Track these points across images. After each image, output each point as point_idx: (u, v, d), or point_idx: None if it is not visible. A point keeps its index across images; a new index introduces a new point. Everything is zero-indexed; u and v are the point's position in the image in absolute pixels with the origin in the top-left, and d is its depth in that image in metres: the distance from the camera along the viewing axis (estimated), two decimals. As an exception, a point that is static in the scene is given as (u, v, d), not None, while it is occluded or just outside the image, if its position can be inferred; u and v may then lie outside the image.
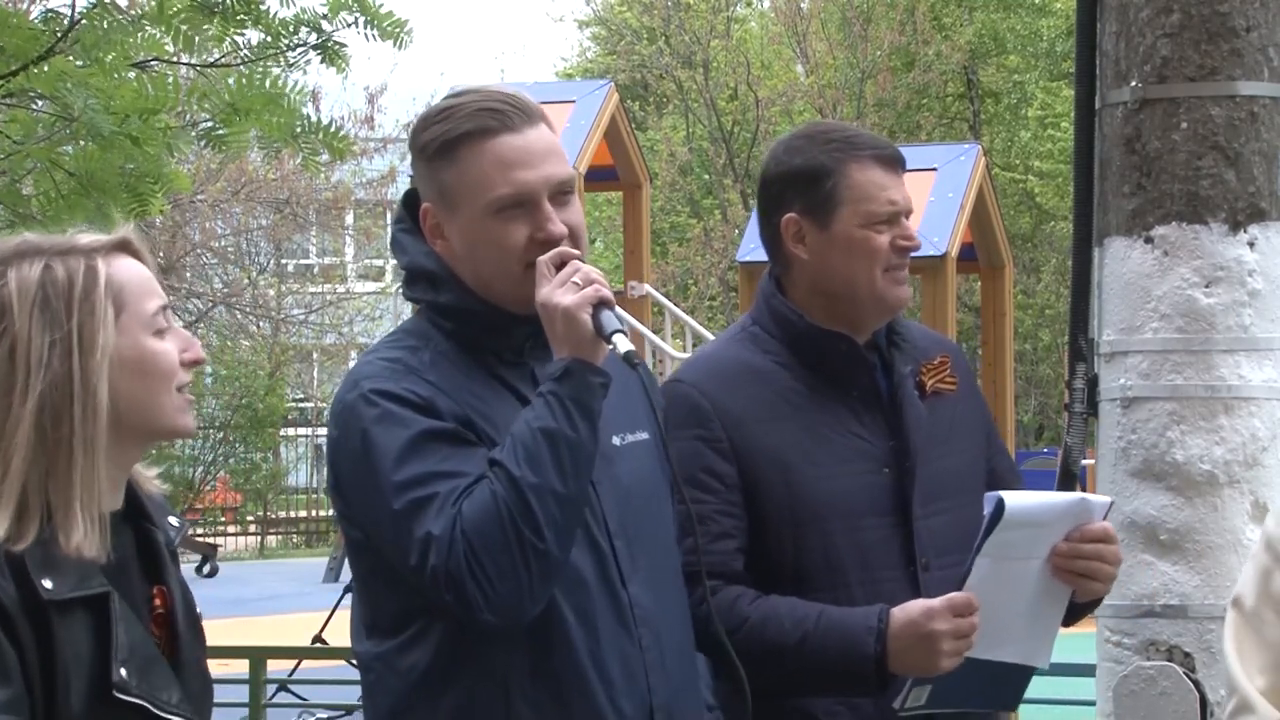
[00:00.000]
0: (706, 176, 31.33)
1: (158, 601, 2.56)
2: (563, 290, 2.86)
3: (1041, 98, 29.16)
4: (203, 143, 6.13)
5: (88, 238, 2.55)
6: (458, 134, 2.95)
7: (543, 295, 2.87)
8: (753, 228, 11.01)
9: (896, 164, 3.45)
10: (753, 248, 10.43)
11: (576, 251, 2.93)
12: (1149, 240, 4.17)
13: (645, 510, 3.04)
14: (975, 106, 31.15)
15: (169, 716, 2.46)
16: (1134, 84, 4.21)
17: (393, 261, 34.67)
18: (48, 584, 2.39)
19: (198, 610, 2.66)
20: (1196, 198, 4.14)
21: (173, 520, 2.68)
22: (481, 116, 2.95)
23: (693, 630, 3.12)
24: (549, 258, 2.89)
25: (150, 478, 2.66)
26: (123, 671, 2.42)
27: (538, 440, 2.80)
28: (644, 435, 3.07)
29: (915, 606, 3.20)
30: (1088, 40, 4.36)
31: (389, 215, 33.83)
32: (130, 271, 2.54)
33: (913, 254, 3.49)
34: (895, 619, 3.20)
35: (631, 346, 2.88)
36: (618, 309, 2.93)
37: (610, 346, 2.87)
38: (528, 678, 2.88)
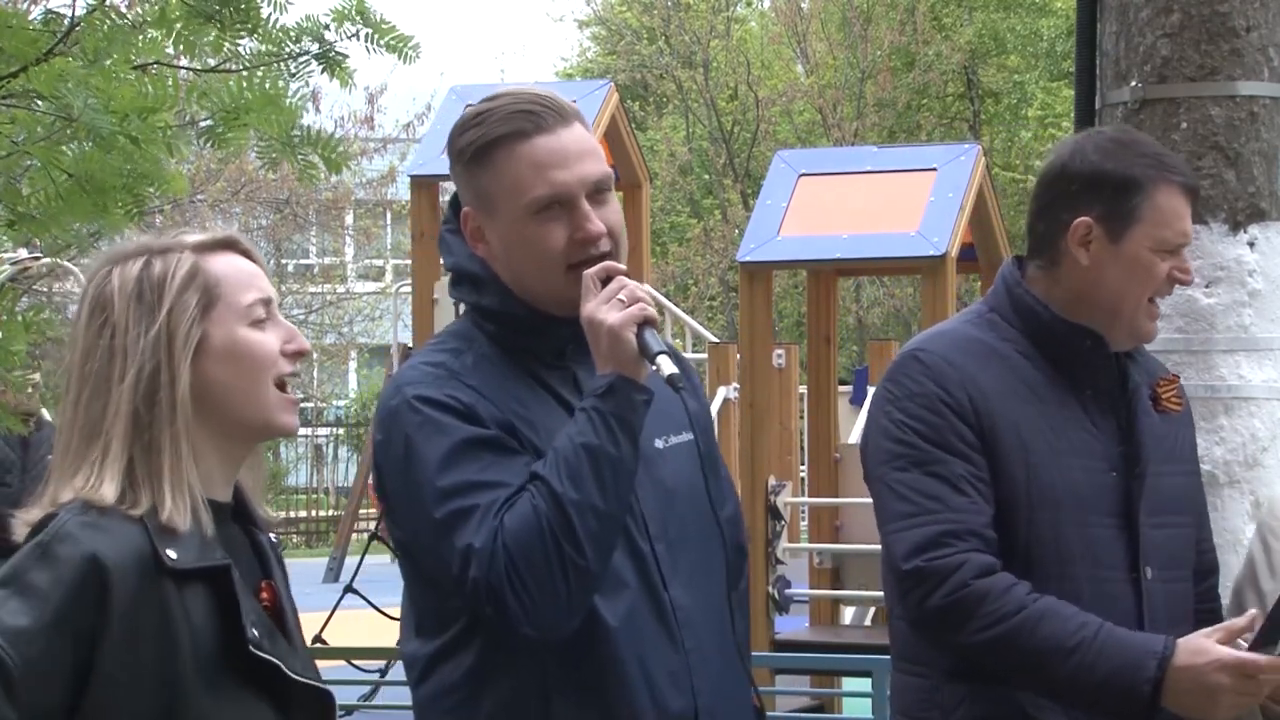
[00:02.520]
0: (706, 176, 31.33)
1: (265, 595, 2.66)
2: (608, 307, 2.87)
3: (1041, 98, 29.14)
4: (203, 141, 6.13)
5: (193, 236, 2.70)
6: (492, 138, 2.97)
7: (588, 311, 2.89)
8: (752, 228, 11.04)
9: (1196, 194, 3.41)
10: (753, 248, 10.42)
11: (623, 267, 2.95)
12: (1149, 240, 4.17)
13: (688, 512, 3.05)
14: (975, 106, 31.14)
15: (297, 679, 2.57)
16: (1134, 84, 4.21)
17: (393, 261, 34.75)
18: (171, 554, 2.51)
19: (298, 618, 2.77)
20: (1196, 198, 4.13)
21: (272, 536, 2.80)
22: (515, 119, 2.96)
23: (744, 628, 3.14)
24: (595, 272, 2.91)
25: (261, 501, 2.79)
26: (254, 632, 2.54)
27: (580, 456, 2.82)
28: (687, 437, 3.08)
29: (1204, 652, 3.14)
30: (1088, 40, 4.36)
31: (389, 215, 33.93)
32: (228, 266, 2.67)
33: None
34: (1180, 654, 3.14)
35: (675, 369, 2.88)
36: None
37: (654, 368, 2.89)
38: (568, 679, 2.90)
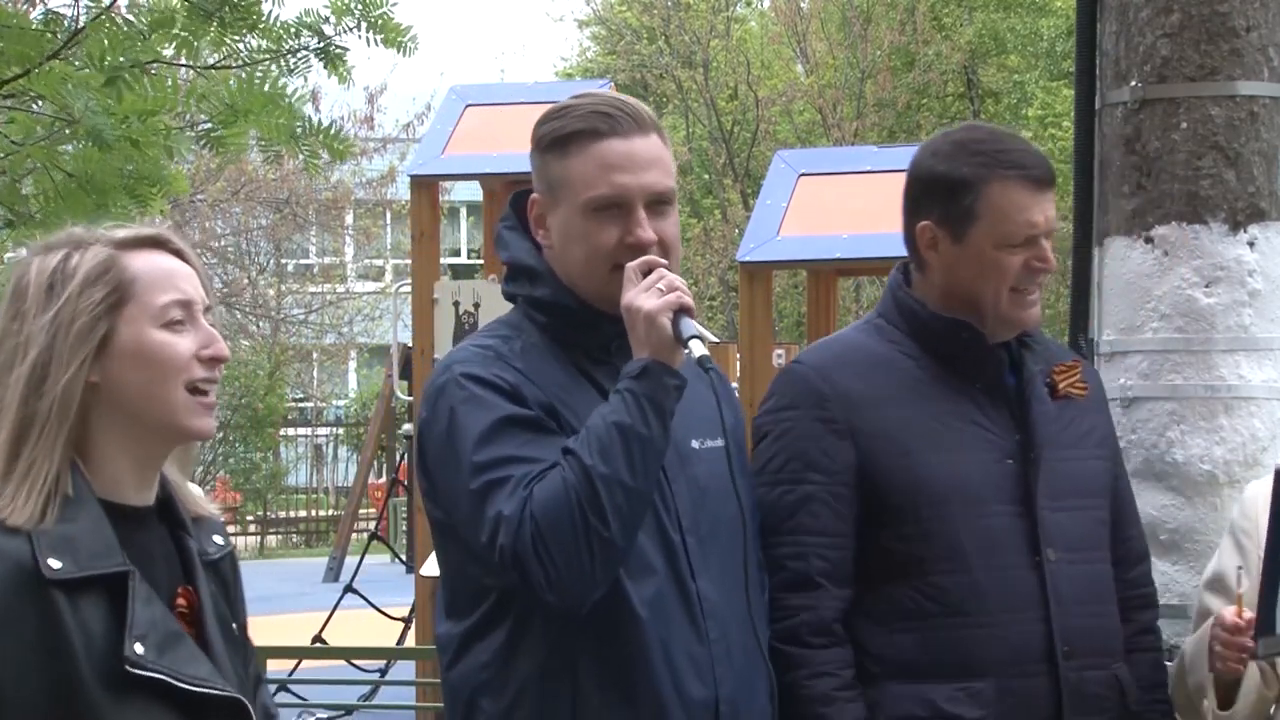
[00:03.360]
0: (706, 176, 31.31)
1: (181, 600, 2.60)
2: (647, 295, 2.99)
3: (1042, 98, 29.12)
4: (202, 144, 6.13)
5: (120, 231, 2.63)
6: (569, 131, 3.10)
7: (628, 298, 3.00)
8: (752, 228, 11.03)
9: (1045, 182, 3.41)
10: (752, 247, 10.41)
11: (663, 260, 3.05)
12: (1149, 240, 4.17)
13: (719, 513, 3.13)
14: (975, 106, 31.11)
15: (195, 689, 2.49)
16: (1134, 84, 4.21)
17: (393, 261, 34.73)
18: (54, 563, 2.44)
19: (239, 622, 2.71)
20: (1196, 198, 4.13)
21: (217, 539, 2.73)
22: (593, 118, 3.10)
23: (765, 631, 3.21)
24: (637, 264, 3.03)
25: (201, 499, 2.73)
26: (138, 647, 2.45)
27: (611, 433, 2.93)
28: (719, 443, 3.16)
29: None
30: (1088, 40, 4.36)
31: (389, 215, 33.91)
32: (149, 264, 2.60)
33: None
34: None
35: (706, 352, 2.99)
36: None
37: (686, 351, 2.99)
38: (595, 660, 2.99)
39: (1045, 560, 3.35)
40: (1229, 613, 3.33)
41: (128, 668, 2.44)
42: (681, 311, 2.99)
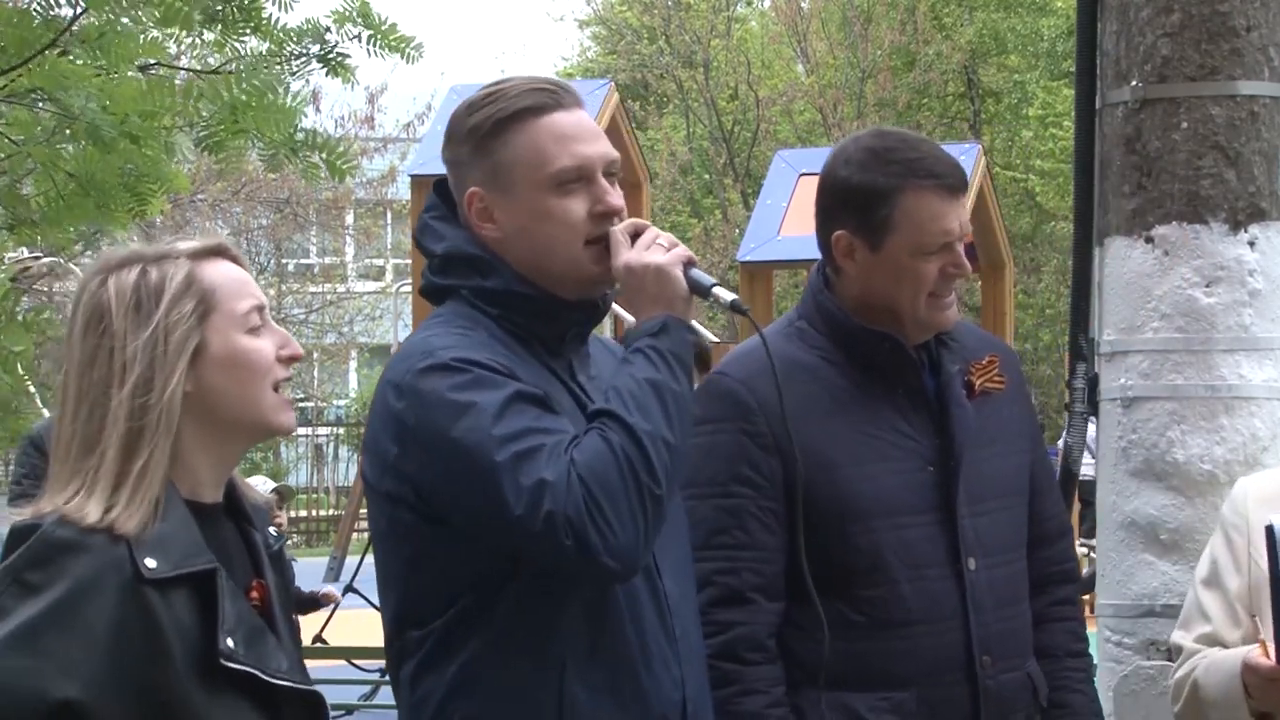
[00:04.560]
0: (707, 176, 31.31)
1: (255, 594, 2.67)
2: (650, 252, 2.91)
3: (1042, 97, 29.13)
4: (200, 147, 6.13)
5: (186, 244, 2.70)
6: (511, 111, 2.97)
7: (629, 258, 2.91)
8: (753, 228, 11.04)
9: (957, 190, 3.40)
10: (753, 247, 10.43)
11: (647, 221, 2.98)
12: (1149, 240, 4.16)
13: (671, 508, 3.03)
14: (976, 106, 31.12)
15: (279, 683, 2.57)
16: (1134, 84, 4.20)
17: (393, 261, 34.73)
18: (151, 563, 2.52)
19: (297, 621, 2.81)
20: (1197, 197, 4.13)
21: (272, 530, 2.80)
22: (534, 95, 2.98)
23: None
24: (624, 227, 2.95)
25: (255, 488, 2.82)
26: (229, 641, 2.54)
27: (644, 390, 2.84)
28: None
29: None
30: (1088, 40, 4.36)
31: (389, 215, 33.92)
32: (223, 274, 2.69)
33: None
34: None
35: (735, 296, 2.95)
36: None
37: (712, 299, 2.94)
38: (585, 659, 2.89)
39: (965, 569, 3.36)
40: (1257, 656, 3.31)
41: (222, 661, 2.52)
42: (689, 264, 2.93)
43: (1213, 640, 3.49)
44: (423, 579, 2.94)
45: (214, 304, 2.66)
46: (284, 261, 31.69)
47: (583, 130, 2.98)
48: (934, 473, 3.38)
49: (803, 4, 30.40)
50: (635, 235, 2.94)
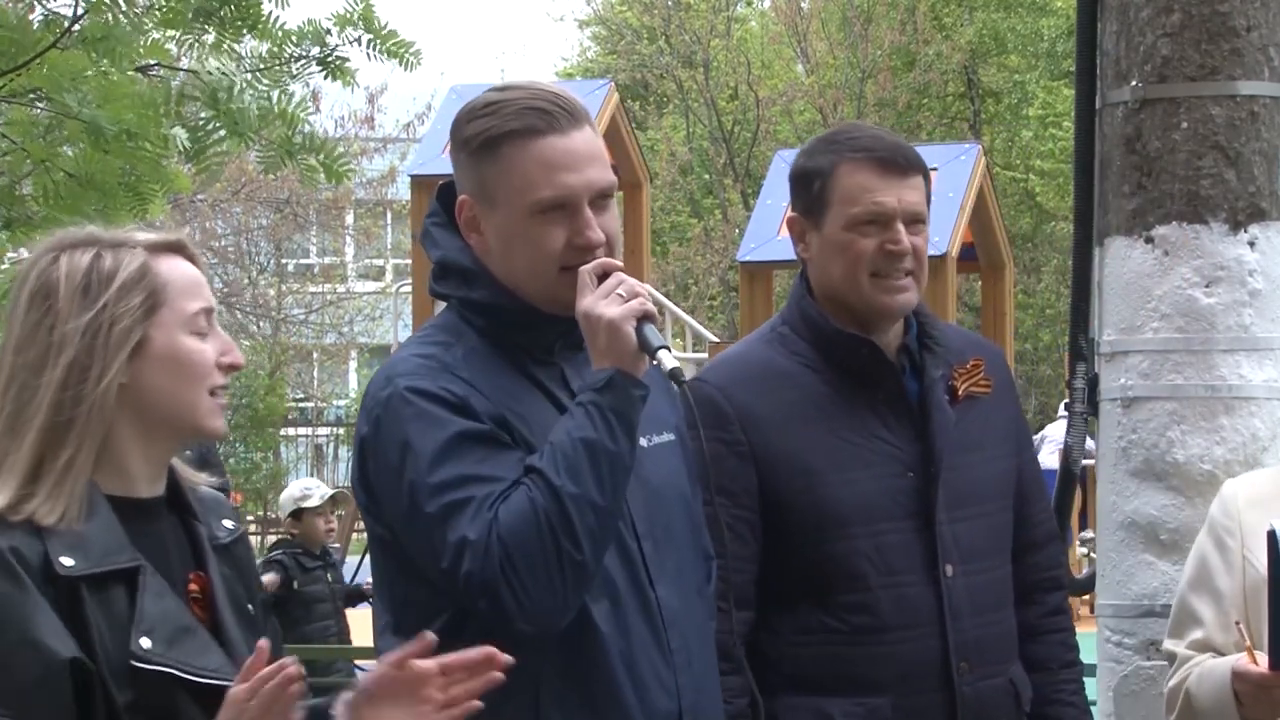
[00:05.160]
0: (706, 176, 31.31)
1: (194, 585, 2.62)
2: (606, 302, 2.84)
3: (1042, 97, 29.13)
4: (183, 155, 6.11)
5: (145, 235, 2.65)
6: (503, 131, 2.93)
7: (585, 305, 2.85)
8: (753, 227, 11.04)
9: (896, 166, 3.40)
10: (753, 247, 10.43)
11: (619, 264, 2.92)
12: (1149, 240, 4.16)
13: (672, 511, 3.03)
14: (976, 106, 31.12)
15: (206, 681, 2.51)
16: (1134, 84, 4.20)
17: (393, 261, 34.74)
18: (67, 561, 2.47)
19: (255, 603, 2.73)
20: (1197, 197, 4.13)
21: (227, 523, 2.75)
22: (528, 116, 2.93)
23: (713, 635, 3.12)
24: (591, 268, 2.88)
25: (201, 479, 2.75)
26: (145, 641, 2.48)
27: (578, 450, 2.78)
28: (670, 437, 3.07)
29: None
30: (1088, 40, 4.35)
31: (389, 215, 33.94)
32: (177, 271, 2.63)
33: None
34: None
35: (677, 364, 2.86)
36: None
37: (654, 363, 2.86)
38: (557, 679, 2.87)
39: (943, 575, 3.36)
40: (1246, 664, 3.30)
41: (133, 662, 2.47)
42: (645, 319, 2.85)
43: (1206, 645, 3.48)
44: (408, 590, 2.94)
45: (163, 300, 2.60)
46: (284, 261, 31.68)
47: (573, 158, 2.92)
48: (914, 479, 3.37)
49: (803, 4, 30.40)
50: (604, 276, 2.87)
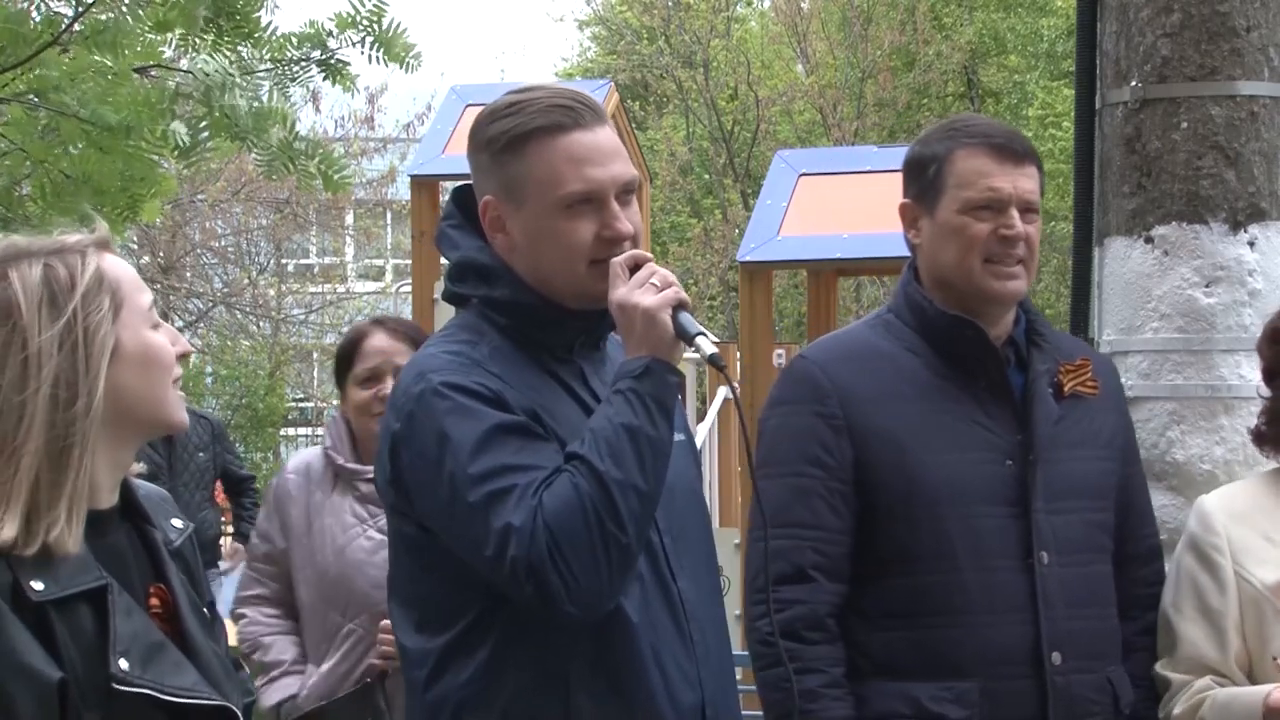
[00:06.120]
0: (706, 176, 31.30)
1: (154, 600, 2.58)
2: (642, 291, 2.90)
3: (1042, 97, 29.12)
4: (172, 152, 6.11)
5: (73, 237, 2.58)
6: (530, 129, 2.98)
7: (620, 295, 2.91)
8: (753, 228, 11.01)
9: (1011, 153, 3.43)
10: (753, 247, 10.40)
11: (649, 255, 2.98)
12: (1149, 240, 4.16)
13: (687, 509, 3.09)
14: (976, 106, 31.10)
15: (182, 701, 2.47)
16: (1134, 84, 4.20)
17: (393, 261, 34.70)
18: (38, 585, 2.41)
19: (206, 601, 2.69)
20: (1196, 197, 4.13)
21: (175, 522, 2.70)
22: (554, 113, 2.98)
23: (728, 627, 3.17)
24: (623, 260, 2.94)
25: (137, 469, 2.69)
26: (122, 663, 2.43)
27: (620, 436, 2.83)
28: (681, 437, 3.10)
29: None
30: (1088, 40, 4.36)
31: (389, 215, 33.89)
32: (120, 267, 2.59)
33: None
34: None
35: (715, 349, 2.92)
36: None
37: (693, 349, 2.91)
38: (588, 670, 2.91)
39: (1038, 563, 3.35)
40: (1278, 695, 3.28)
41: (113, 685, 2.43)
42: (680, 307, 2.92)
43: (1198, 666, 3.46)
44: (434, 589, 2.97)
45: (122, 299, 2.55)
46: (284, 261, 31.66)
47: (598, 152, 2.98)
48: (1013, 467, 3.38)
49: (803, 4, 30.39)
50: (635, 267, 2.93)
